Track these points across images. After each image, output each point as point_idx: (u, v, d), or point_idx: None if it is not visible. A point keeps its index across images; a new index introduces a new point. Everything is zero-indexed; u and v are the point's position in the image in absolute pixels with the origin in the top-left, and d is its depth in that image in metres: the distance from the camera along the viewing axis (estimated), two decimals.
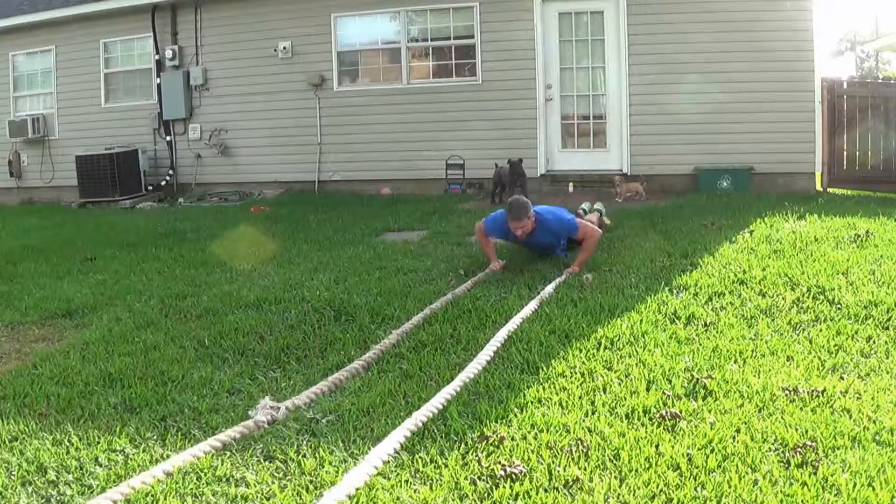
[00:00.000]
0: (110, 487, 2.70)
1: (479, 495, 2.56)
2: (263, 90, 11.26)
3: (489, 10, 10.33)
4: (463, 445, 2.88)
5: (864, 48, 28.41)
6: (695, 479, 2.58)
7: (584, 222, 5.69)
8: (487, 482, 2.62)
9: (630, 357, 3.72)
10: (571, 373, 3.56)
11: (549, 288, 4.87)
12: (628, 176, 9.64)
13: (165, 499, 2.60)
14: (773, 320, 4.20)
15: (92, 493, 2.67)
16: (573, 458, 2.75)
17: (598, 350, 3.83)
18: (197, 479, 2.72)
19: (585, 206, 7.20)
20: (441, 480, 2.65)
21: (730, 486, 2.52)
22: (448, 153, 10.49)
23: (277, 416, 3.15)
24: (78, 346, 4.34)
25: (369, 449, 2.88)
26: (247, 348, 4.14)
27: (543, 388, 3.40)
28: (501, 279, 5.29)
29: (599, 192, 9.17)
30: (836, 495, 2.45)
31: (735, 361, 3.62)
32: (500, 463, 2.71)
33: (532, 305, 4.51)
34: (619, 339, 3.96)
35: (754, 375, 3.43)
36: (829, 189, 9.44)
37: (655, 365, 3.58)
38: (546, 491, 2.55)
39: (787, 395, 3.20)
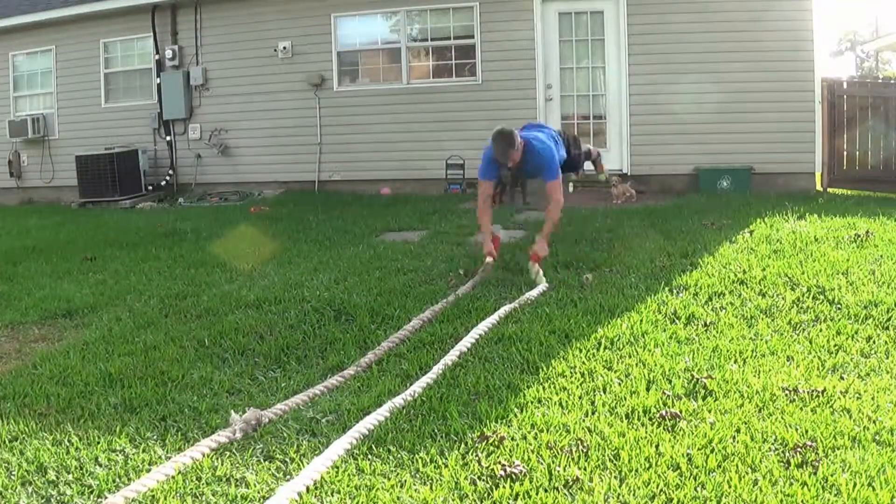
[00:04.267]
0: (110, 487, 2.70)
1: (479, 495, 2.56)
2: (263, 90, 11.26)
3: (489, 10, 10.33)
4: (463, 445, 2.88)
5: (864, 48, 28.40)
6: (695, 479, 2.58)
7: (559, 183, 5.50)
8: (487, 482, 2.62)
9: (630, 357, 3.72)
10: (571, 373, 3.56)
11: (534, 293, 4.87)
12: (623, 177, 9.64)
13: (165, 499, 2.60)
14: (773, 320, 4.20)
15: (92, 493, 2.68)
16: (573, 458, 2.75)
17: (598, 350, 3.83)
18: (197, 479, 2.72)
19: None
20: (441, 480, 2.65)
21: (730, 486, 2.52)
22: (448, 153, 10.48)
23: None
24: (78, 346, 4.33)
25: (370, 449, 2.88)
26: (247, 348, 4.14)
27: (543, 388, 3.40)
28: (502, 279, 5.29)
29: (599, 193, 9.17)
30: (836, 495, 2.45)
31: (735, 361, 3.62)
32: (500, 463, 2.71)
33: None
34: (619, 339, 3.95)
35: (754, 375, 3.43)
36: (829, 189, 9.44)
37: (655, 365, 3.58)
38: (546, 491, 2.55)
39: (787, 395, 3.20)
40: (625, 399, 3.24)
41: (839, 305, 4.34)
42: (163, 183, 11.90)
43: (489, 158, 5.41)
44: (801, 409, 3.08)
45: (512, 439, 2.91)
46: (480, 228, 5.58)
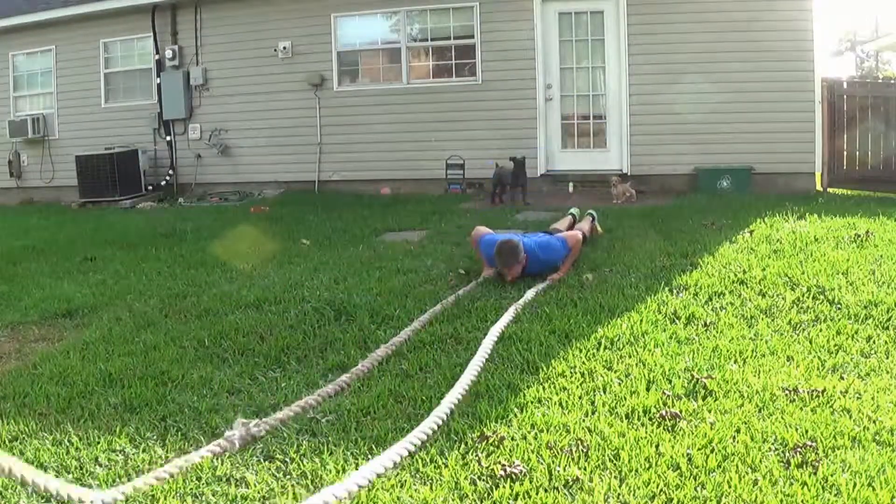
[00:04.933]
0: (110, 487, 2.70)
1: (479, 495, 2.56)
2: (263, 90, 11.27)
3: (489, 10, 10.34)
4: (463, 445, 2.88)
5: (864, 48, 28.40)
6: (695, 479, 2.57)
7: (567, 234, 5.57)
8: (487, 482, 2.62)
9: (630, 357, 3.72)
10: (571, 373, 3.56)
11: (530, 293, 4.79)
12: (623, 177, 9.64)
13: (165, 499, 2.60)
14: (773, 320, 4.20)
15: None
16: (573, 458, 2.75)
17: (598, 350, 3.83)
18: (197, 480, 2.72)
19: (574, 210, 7.04)
20: (441, 480, 2.65)
21: (730, 486, 2.51)
22: (448, 153, 10.49)
23: (254, 431, 2.99)
24: (78, 346, 4.33)
25: (370, 449, 2.88)
26: (247, 348, 4.14)
27: (543, 388, 3.40)
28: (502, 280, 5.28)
29: (599, 193, 9.17)
30: (836, 495, 2.45)
31: (735, 361, 3.62)
32: (500, 463, 2.71)
33: (510, 314, 4.39)
34: (619, 339, 3.95)
35: (754, 375, 3.43)
36: (829, 189, 9.44)
37: (655, 365, 3.58)
38: (546, 491, 2.55)
39: (787, 395, 3.20)
40: (625, 399, 3.24)
41: (839, 305, 4.34)
42: (163, 183, 11.90)
43: (490, 252, 5.34)
44: (801, 409, 3.08)
45: (512, 439, 2.91)
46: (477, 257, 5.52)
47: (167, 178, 11.90)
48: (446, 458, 2.78)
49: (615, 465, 2.70)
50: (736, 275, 4.99)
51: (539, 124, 10.20)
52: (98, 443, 3.04)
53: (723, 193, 9.05)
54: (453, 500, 2.54)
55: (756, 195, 8.72)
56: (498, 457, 2.78)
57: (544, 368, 3.60)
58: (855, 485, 2.49)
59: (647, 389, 3.33)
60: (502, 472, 2.64)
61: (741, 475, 2.58)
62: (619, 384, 3.40)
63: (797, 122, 9.38)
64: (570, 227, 6.28)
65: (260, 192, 11.32)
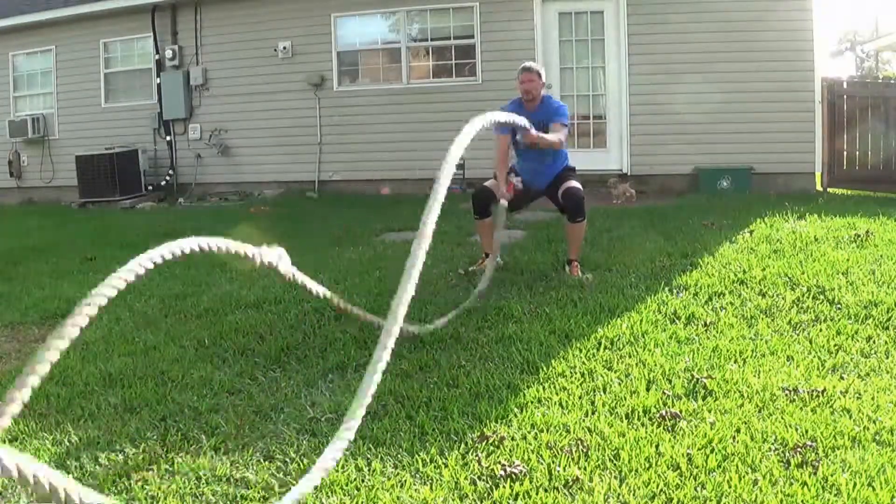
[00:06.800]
0: (110, 487, 2.70)
1: (479, 495, 2.56)
2: (263, 90, 11.27)
3: (489, 10, 10.34)
4: (463, 445, 2.88)
5: (864, 48, 28.43)
6: (695, 479, 2.57)
7: (565, 128, 5.34)
8: (487, 482, 2.62)
9: (630, 357, 3.72)
10: (571, 373, 3.56)
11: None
12: (623, 177, 9.64)
13: (165, 499, 2.60)
14: (773, 320, 4.20)
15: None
16: (573, 458, 2.75)
17: (598, 350, 3.83)
18: (197, 480, 2.72)
19: None
20: (441, 480, 2.65)
21: (730, 486, 2.51)
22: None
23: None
24: (78, 346, 4.33)
25: (369, 449, 2.88)
26: (247, 348, 4.13)
27: (543, 388, 3.40)
28: (501, 279, 5.28)
29: (599, 193, 9.17)
30: (836, 495, 2.45)
31: (735, 361, 3.62)
32: (500, 463, 2.71)
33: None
34: (619, 339, 3.95)
35: (754, 375, 3.43)
36: (829, 189, 9.44)
37: (655, 365, 3.58)
38: (546, 491, 2.55)
39: (787, 395, 3.20)
40: (625, 399, 3.24)
41: (839, 305, 4.34)
42: (163, 183, 11.90)
43: (513, 101, 5.64)
44: (801, 409, 3.08)
45: (512, 439, 2.91)
46: (496, 176, 5.45)
47: (167, 178, 11.90)
48: (446, 458, 2.78)
49: (615, 465, 2.70)
50: (736, 275, 4.99)
51: None
52: (98, 443, 3.04)
53: (723, 193, 9.05)
54: (453, 500, 2.54)
55: (756, 195, 8.72)
56: (498, 457, 2.78)
57: (544, 368, 3.60)
58: (855, 485, 2.49)
59: (647, 389, 3.33)
60: (502, 472, 2.64)
61: (741, 475, 2.58)
62: (619, 384, 3.40)
63: (797, 122, 9.38)
64: None
65: (260, 192, 11.32)
